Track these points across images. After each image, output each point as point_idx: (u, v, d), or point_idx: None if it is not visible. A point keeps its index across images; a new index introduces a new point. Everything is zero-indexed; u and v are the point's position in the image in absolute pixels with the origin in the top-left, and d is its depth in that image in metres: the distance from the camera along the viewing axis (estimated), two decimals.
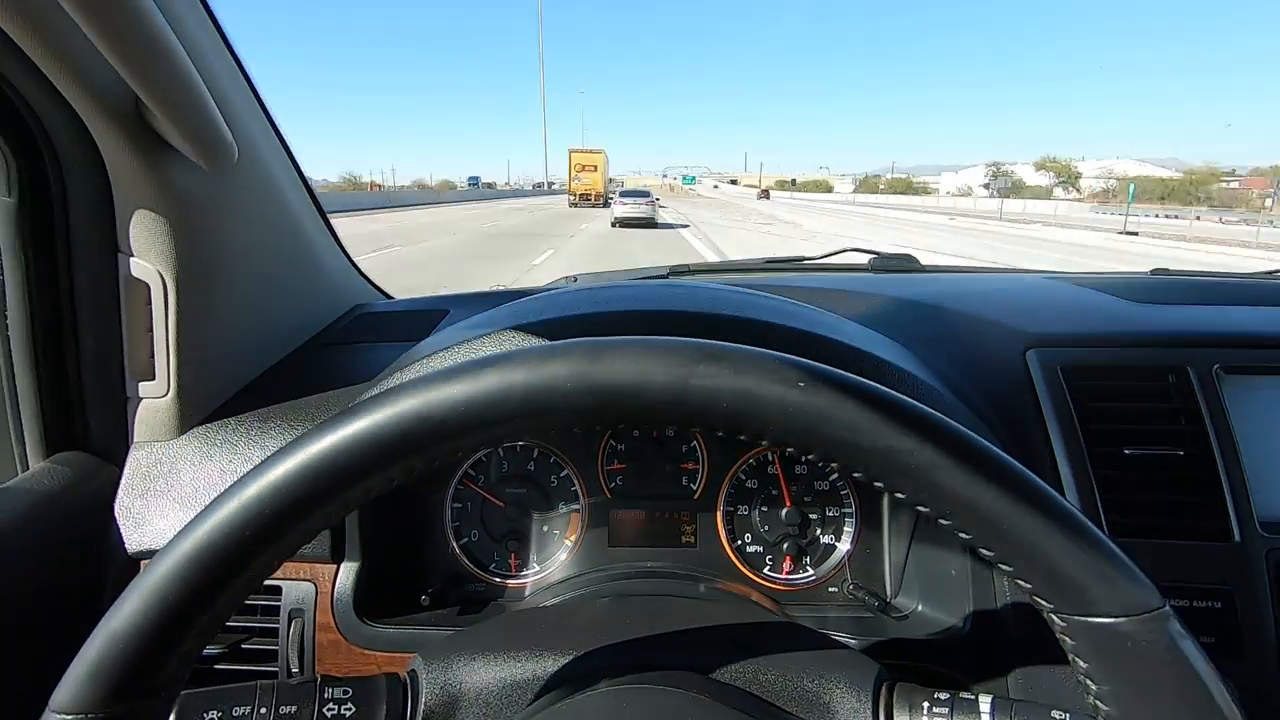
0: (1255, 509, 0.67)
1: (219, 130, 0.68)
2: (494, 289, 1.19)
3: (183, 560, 0.31)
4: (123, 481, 0.74)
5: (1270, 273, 1.26)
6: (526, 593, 0.79)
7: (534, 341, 0.62)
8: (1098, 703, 0.33)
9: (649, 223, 25.06)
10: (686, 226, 25.50)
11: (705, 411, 0.32)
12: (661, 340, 0.33)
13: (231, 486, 0.32)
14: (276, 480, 0.32)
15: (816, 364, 0.33)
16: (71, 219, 0.70)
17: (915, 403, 0.33)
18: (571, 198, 43.24)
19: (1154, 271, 1.24)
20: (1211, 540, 0.67)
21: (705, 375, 0.32)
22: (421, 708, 0.45)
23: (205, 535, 0.31)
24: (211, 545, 0.31)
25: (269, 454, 0.33)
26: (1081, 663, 0.33)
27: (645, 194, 27.00)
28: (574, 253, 15.73)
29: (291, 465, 0.32)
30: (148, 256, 0.70)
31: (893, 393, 0.33)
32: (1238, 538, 0.67)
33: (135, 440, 0.76)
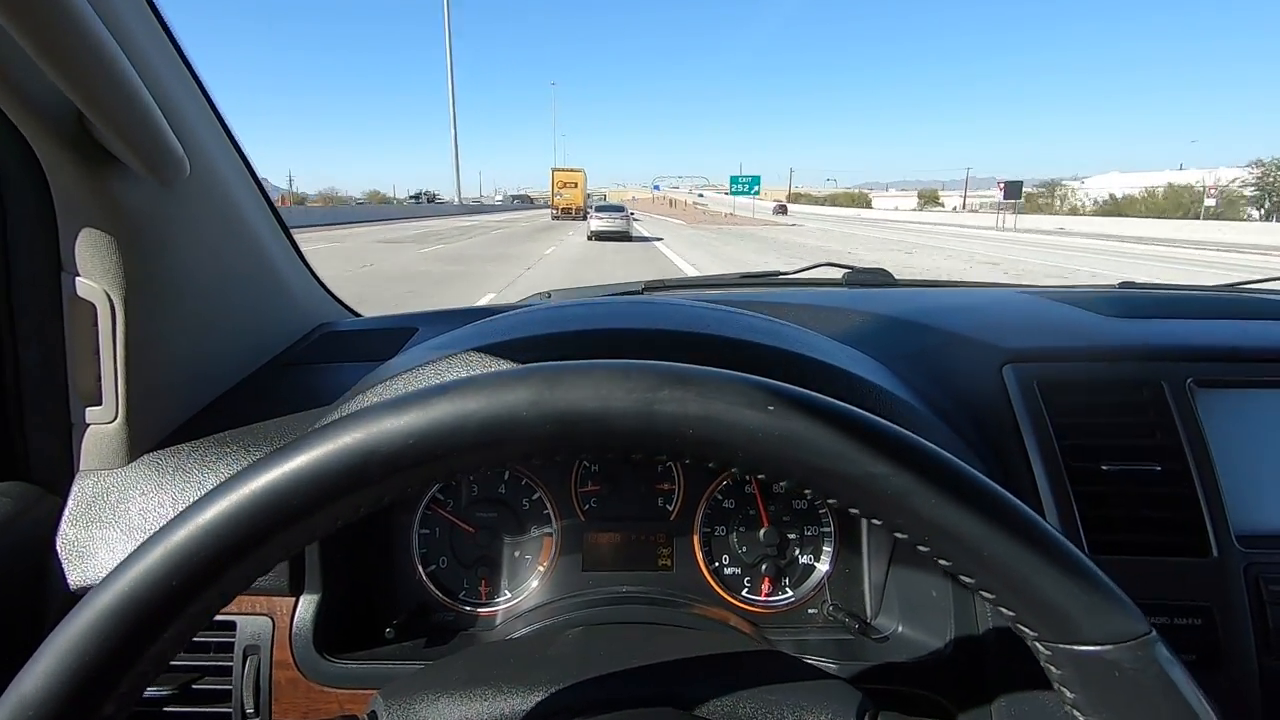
0: (1231, 524, 0.67)
1: (167, 142, 0.65)
2: (464, 306, 1.17)
3: (102, 614, 0.29)
4: (65, 512, 0.70)
5: (1233, 285, 1.28)
6: (498, 621, 0.76)
7: (501, 362, 0.60)
8: None
9: (624, 236, 25.38)
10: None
11: (671, 438, 0.31)
12: (624, 364, 0.32)
13: (157, 533, 0.30)
14: (208, 524, 0.29)
15: (786, 386, 0.32)
16: (10, 235, 0.66)
17: (891, 425, 0.32)
18: (554, 211, 47.70)
19: (1121, 284, 1.25)
20: (1190, 556, 0.67)
21: (670, 400, 0.30)
22: None
23: (127, 586, 0.29)
24: (134, 598, 0.29)
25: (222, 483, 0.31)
26: (1068, 693, 0.32)
27: (620, 209, 27.57)
28: None
29: (224, 507, 0.29)
30: (94, 275, 0.67)
31: (867, 415, 0.32)
32: (1215, 553, 0.66)
33: (81, 469, 0.72)
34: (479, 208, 75.49)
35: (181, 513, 0.30)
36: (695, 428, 0.30)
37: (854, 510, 0.32)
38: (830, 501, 0.32)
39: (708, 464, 0.31)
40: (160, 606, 0.29)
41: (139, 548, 0.30)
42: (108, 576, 0.30)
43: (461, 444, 0.30)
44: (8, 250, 0.67)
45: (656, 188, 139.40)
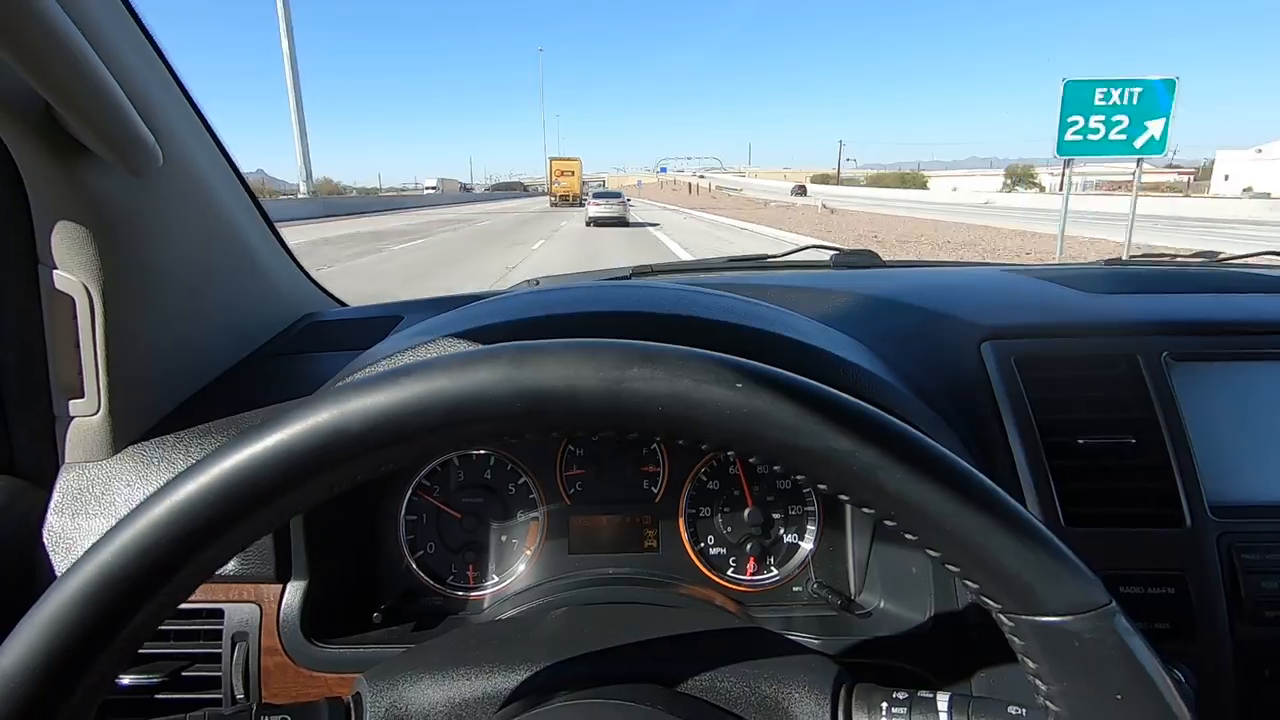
0: (1205, 494, 0.68)
1: (137, 132, 0.65)
2: (450, 294, 1.17)
3: (78, 591, 0.29)
4: (51, 504, 0.70)
5: (1216, 259, 1.29)
6: (485, 605, 0.77)
7: (481, 346, 0.60)
8: (1048, 703, 0.33)
9: (621, 221, 25.38)
10: None
11: (640, 416, 0.31)
12: (592, 342, 0.32)
13: (134, 510, 0.30)
14: (181, 503, 0.30)
15: (753, 363, 0.32)
16: None
17: (856, 401, 0.32)
18: (552, 198, 48.55)
19: (1107, 262, 1.26)
20: (1164, 526, 0.68)
21: (639, 378, 0.30)
22: None
23: (103, 563, 0.29)
24: (110, 574, 0.29)
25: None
26: (1030, 663, 0.33)
27: (617, 195, 27.66)
28: None
29: (195, 487, 0.30)
30: (70, 268, 0.66)
31: (833, 391, 0.32)
32: (1189, 523, 0.67)
33: (66, 461, 0.72)
34: (415, 199, 56.82)
35: (156, 491, 0.30)
36: (664, 405, 0.30)
37: (822, 486, 0.32)
38: (799, 478, 0.32)
39: (678, 441, 0.32)
40: (136, 583, 0.30)
41: (115, 526, 0.30)
42: (85, 554, 0.30)
43: (431, 423, 0.30)
44: None
45: (663, 170, 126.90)
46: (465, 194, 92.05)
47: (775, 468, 0.32)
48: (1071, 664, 0.31)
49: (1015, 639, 0.33)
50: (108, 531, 0.30)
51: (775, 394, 0.31)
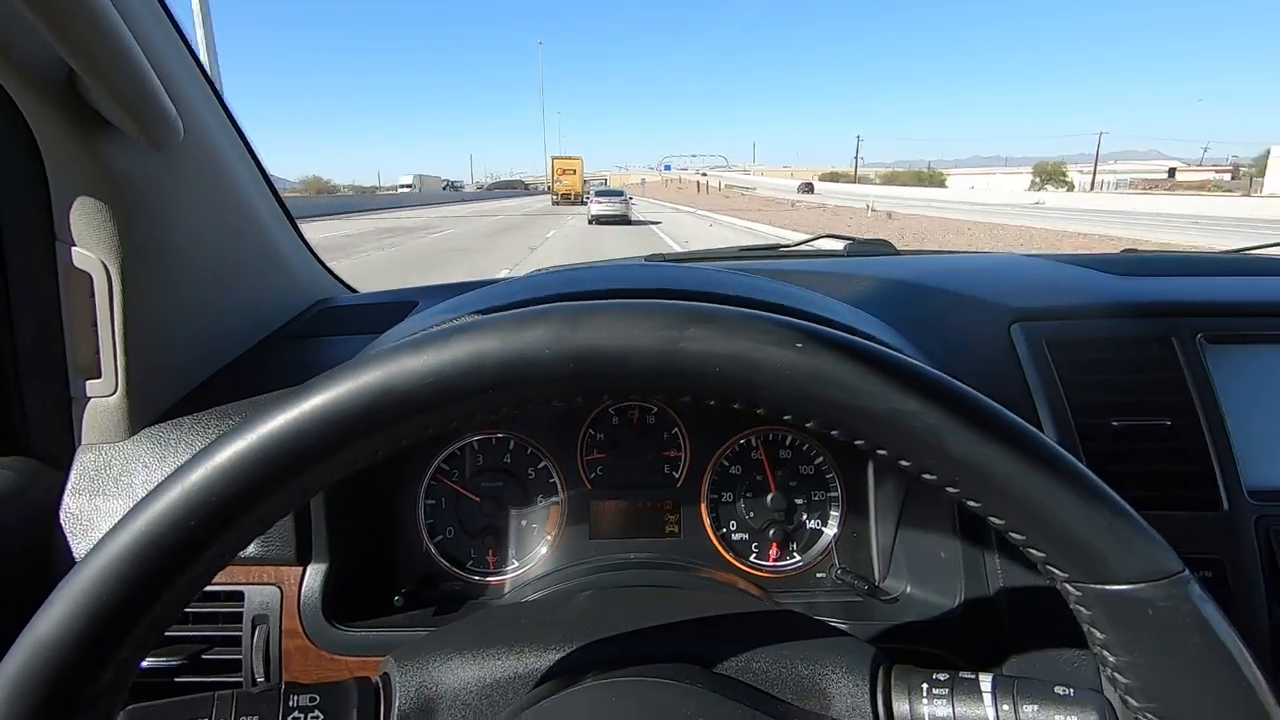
0: (1242, 477, 0.67)
1: (161, 102, 0.64)
2: (465, 281, 1.16)
3: (119, 556, 0.28)
4: (69, 485, 0.69)
5: (1238, 250, 1.27)
6: (505, 590, 0.76)
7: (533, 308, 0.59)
8: (1116, 675, 0.32)
9: (623, 220, 25.53)
10: None
11: (696, 377, 0.30)
12: (647, 303, 0.31)
13: (173, 473, 0.29)
14: (224, 465, 0.29)
15: (814, 325, 0.31)
16: (2, 204, 0.65)
17: (920, 364, 0.31)
18: (555, 197, 48.91)
19: (1124, 251, 1.24)
20: (1201, 510, 0.66)
21: (696, 338, 0.29)
22: (395, 712, 0.42)
23: (144, 527, 0.28)
24: (151, 538, 0.28)
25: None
26: (1098, 634, 0.31)
27: (619, 193, 27.91)
28: None
29: (241, 447, 0.29)
30: (89, 245, 0.65)
31: (896, 353, 0.31)
32: (1226, 506, 0.66)
33: (83, 443, 0.71)
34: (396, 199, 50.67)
35: (197, 454, 0.29)
36: (721, 365, 0.29)
37: (882, 451, 0.31)
38: (858, 442, 0.31)
39: (732, 404, 0.31)
40: (179, 548, 0.29)
41: (156, 488, 0.29)
42: (124, 517, 0.29)
43: (480, 384, 0.29)
44: (0, 220, 0.65)
45: (667, 168, 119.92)
46: (453, 193, 78.75)
47: (834, 433, 0.31)
48: (1143, 634, 0.30)
49: (1081, 609, 0.32)
50: (148, 494, 0.29)
51: (838, 355, 0.30)
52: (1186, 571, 0.30)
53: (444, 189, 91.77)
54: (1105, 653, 0.32)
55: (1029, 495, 0.30)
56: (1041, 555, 0.31)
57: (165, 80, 0.65)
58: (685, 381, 0.30)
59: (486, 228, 25.18)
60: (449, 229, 24.32)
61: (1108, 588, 0.30)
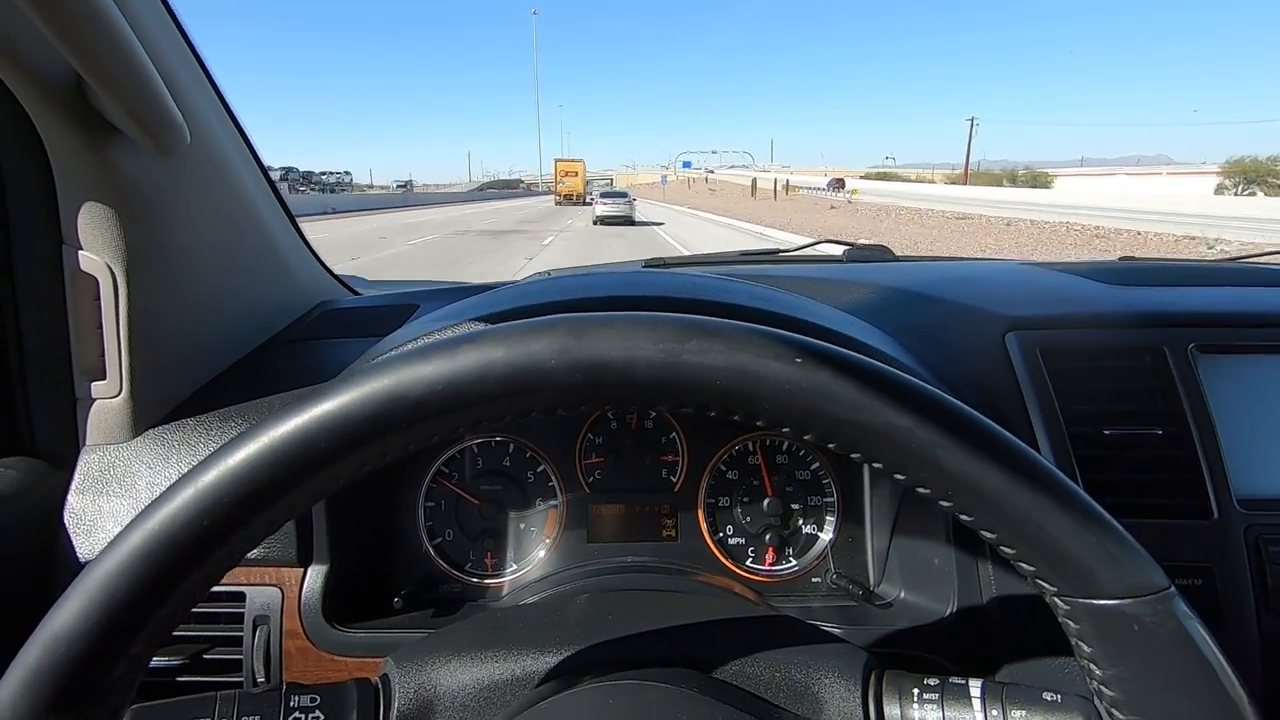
0: (1232, 486, 0.68)
1: (167, 109, 0.65)
2: (466, 284, 1.17)
3: (133, 553, 0.29)
4: (73, 486, 0.70)
5: (1235, 258, 1.28)
6: (504, 592, 0.77)
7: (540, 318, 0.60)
8: (1102, 688, 0.32)
9: (627, 221, 25.65)
10: None
11: (698, 390, 0.30)
12: (651, 315, 0.32)
13: (187, 474, 0.30)
14: (237, 467, 0.30)
15: (813, 340, 0.32)
16: (10, 208, 0.66)
17: (916, 380, 0.32)
18: (558, 197, 49.31)
19: (1121, 258, 1.25)
20: (1191, 518, 0.67)
21: (698, 351, 0.30)
22: (394, 713, 0.43)
23: (158, 526, 0.29)
24: (165, 537, 0.29)
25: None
26: (1085, 647, 0.32)
27: (624, 194, 28.11)
28: None
29: (253, 450, 0.30)
30: (95, 248, 0.66)
31: (893, 369, 0.32)
32: (1216, 515, 0.67)
33: (86, 444, 0.72)
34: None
35: (209, 456, 0.30)
36: (722, 378, 0.30)
37: (877, 464, 0.32)
38: (855, 455, 0.31)
39: (733, 416, 0.31)
40: (192, 547, 0.29)
41: (170, 488, 0.30)
42: (139, 516, 0.30)
43: (487, 391, 0.30)
44: (8, 223, 0.66)
45: (686, 165, 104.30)
46: (404, 195, 58.30)
47: (830, 446, 0.32)
48: (1129, 648, 0.31)
49: (1070, 622, 0.32)
50: (162, 493, 0.30)
51: (836, 370, 0.30)
52: (1173, 588, 0.31)
53: (402, 191, 70.19)
54: (1092, 665, 0.32)
55: (1020, 511, 0.30)
56: (1031, 569, 0.32)
57: (171, 86, 0.66)
58: (687, 393, 0.31)
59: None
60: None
61: (1095, 602, 0.31)
